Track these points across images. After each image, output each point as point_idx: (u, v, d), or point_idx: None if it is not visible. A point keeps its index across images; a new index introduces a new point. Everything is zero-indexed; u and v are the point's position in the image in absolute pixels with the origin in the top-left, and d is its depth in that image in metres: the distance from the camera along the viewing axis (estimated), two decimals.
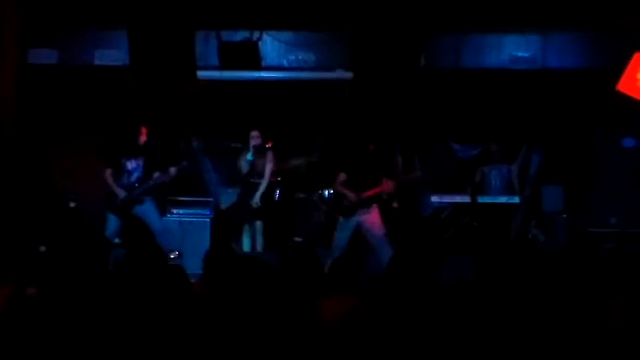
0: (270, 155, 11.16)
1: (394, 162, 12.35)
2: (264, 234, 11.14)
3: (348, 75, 11.41)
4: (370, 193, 10.40)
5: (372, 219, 10.45)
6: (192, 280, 5.88)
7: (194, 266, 7.47)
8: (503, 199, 11.58)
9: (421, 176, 11.82)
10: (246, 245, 11.11)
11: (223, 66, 11.49)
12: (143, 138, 10.65)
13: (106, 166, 10.66)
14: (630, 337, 4.74)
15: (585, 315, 4.98)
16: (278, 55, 11.86)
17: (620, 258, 5.39)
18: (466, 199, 11.30)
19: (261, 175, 11.08)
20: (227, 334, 4.82)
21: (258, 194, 11.01)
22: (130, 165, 10.63)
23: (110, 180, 10.61)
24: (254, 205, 10.98)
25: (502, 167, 12.05)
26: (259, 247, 11.10)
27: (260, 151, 11.06)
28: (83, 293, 5.29)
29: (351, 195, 10.44)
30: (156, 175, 10.63)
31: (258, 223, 11.13)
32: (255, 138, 11.02)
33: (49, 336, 4.84)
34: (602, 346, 4.72)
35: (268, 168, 11.11)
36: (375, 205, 10.47)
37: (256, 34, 11.45)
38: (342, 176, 10.61)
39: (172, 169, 10.68)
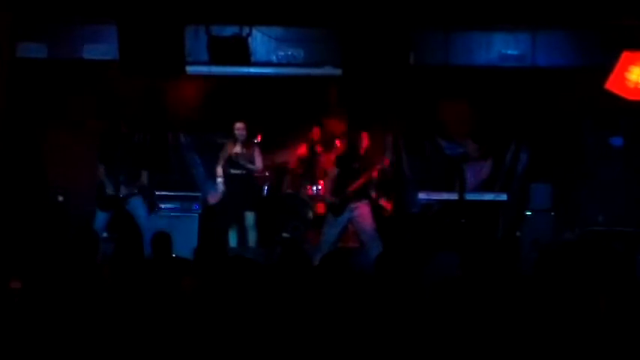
0: (258, 149, 11.20)
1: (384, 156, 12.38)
2: (257, 229, 11.15)
3: (338, 71, 11.41)
4: (355, 186, 10.41)
5: (363, 213, 10.46)
6: None
7: None
8: (490, 197, 11.59)
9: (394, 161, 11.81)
10: (232, 240, 11.11)
11: (213, 61, 11.47)
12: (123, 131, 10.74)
13: (99, 162, 10.71)
14: (617, 335, 4.76)
15: (572, 313, 4.99)
16: (267, 50, 11.84)
17: (607, 255, 5.41)
18: (454, 196, 11.30)
19: (244, 167, 11.13)
20: (216, 329, 4.82)
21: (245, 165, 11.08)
22: (120, 162, 10.67)
23: (102, 177, 10.66)
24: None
25: (476, 165, 12.05)
26: (252, 243, 11.10)
27: (246, 143, 11.11)
28: (69, 286, 5.29)
29: (332, 199, 10.46)
30: (143, 175, 10.72)
31: (250, 218, 11.14)
32: (240, 129, 11.07)
33: (33, 329, 4.83)
34: (588, 343, 4.73)
35: (258, 160, 11.15)
36: (365, 200, 10.48)
37: (246, 30, 11.43)
38: (334, 170, 10.62)
39: (144, 173, 10.78)
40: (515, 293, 5.29)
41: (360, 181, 10.41)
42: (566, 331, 4.79)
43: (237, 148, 11.12)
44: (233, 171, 11.21)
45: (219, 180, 11.44)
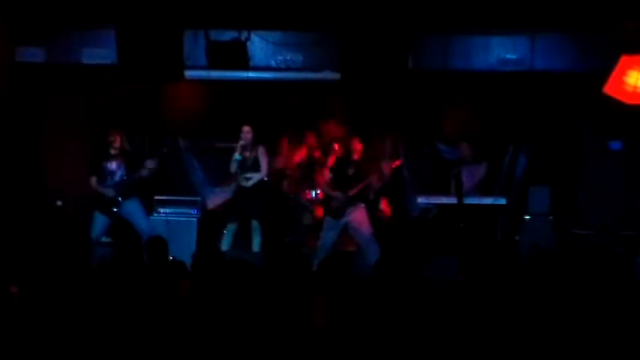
0: (262, 149, 11.22)
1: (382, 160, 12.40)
2: (261, 234, 11.13)
3: (336, 76, 11.42)
4: (355, 190, 10.47)
5: (360, 218, 10.52)
6: None
7: None
8: (489, 201, 11.58)
9: (404, 163, 11.85)
10: (225, 244, 11.03)
11: (211, 66, 11.47)
12: (117, 143, 10.71)
13: (89, 174, 10.72)
14: (613, 338, 4.76)
15: (570, 315, 5.00)
16: (266, 55, 11.85)
17: (605, 259, 5.40)
18: (453, 200, 11.29)
19: (251, 170, 11.13)
20: (213, 332, 4.82)
21: (251, 181, 11.09)
22: (111, 167, 10.69)
23: (96, 186, 10.67)
24: (246, 184, 11.03)
25: (471, 167, 12.04)
26: (256, 247, 11.08)
27: (250, 147, 11.11)
28: (64, 291, 5.29)
29: (337, 195, 10.51)
30: (146, 165, 10.72)
31: (256, 223, 11.12)
32: (245, 133, 11.08)
33: (29, 333, 4.83)
34: (586, 345, 4.74)
35: (264, 162, 11.17)
36: (362, 205, 10.54)
37: (244, 34, 11.44)
38: (328, 175, 10.72)
39: (149, 161, 10.74)
40: (514, 296, 5.29)
41: (360, 187, 10.47)
42: (564, 334, 4.79)
43: (239, 156, 11.12)
44: (241, 175, 11.22)
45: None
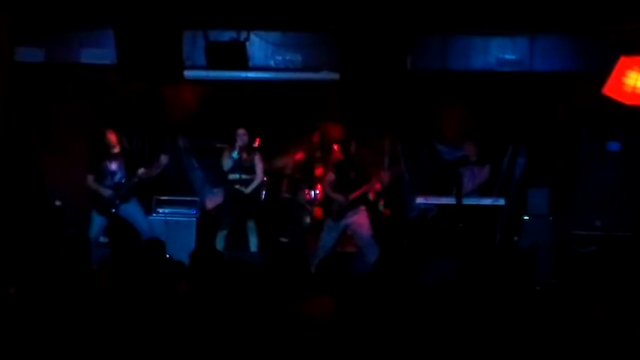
0: (259, 155, 11.22)
1: (382, 161, 12.40)
2: (257, 234, 11.13)
3: (335, 76, 11.42)
4: (357, 193, 10.48)
5: (360, 220, 10.55)
6: None
7: None
8: (488, 201, 11.57)
9: (404, 169, 11.86)
10: (219, 245, 11.01)
11: (210, 66, 11.48)
12: (113, 140, 10.73)
13: (87, 172, 10.73)
14: (612, 339, 4.76)
15: (569, 317, 5.00)
16: (265, 55, 11.85)
17: (603, 260, 5.41)
18: (452, 200, 11.28)
19: (246, 172, 11.11)
20: (212, 333, 4.82)
21: (250, 187, 11.09)
22: (111, 167, 10.70)
23: (94, 185, 10.68)
24: (246, 192, 11.01)
25: (474, 168, 12.02)
26: (253, 247, 11.08)
27: (247, 149, 11.10)
28: (62, 291, 5.29)
29: (339, 198, 10.51)
30: (141, 171, 10.70)
31: (251, 224, 11.12)
32: (241, 136, 11.07)
33: (27, 333, 4.84)
34: (585, 347, 4.74)
35: (259, 167, 11.17)
36: (363, 206, 10.56)
37: (244, 35, 11.44)
38: (331, 176, 10.73)
39: (163, 157, 10.77)
40: (514, 299, 5.29)
41: (362, 190, 10.49)
42: (562, 335, 4.79)
43: (236, 155, 11.10)
44: (232, 176, 11.22)
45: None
